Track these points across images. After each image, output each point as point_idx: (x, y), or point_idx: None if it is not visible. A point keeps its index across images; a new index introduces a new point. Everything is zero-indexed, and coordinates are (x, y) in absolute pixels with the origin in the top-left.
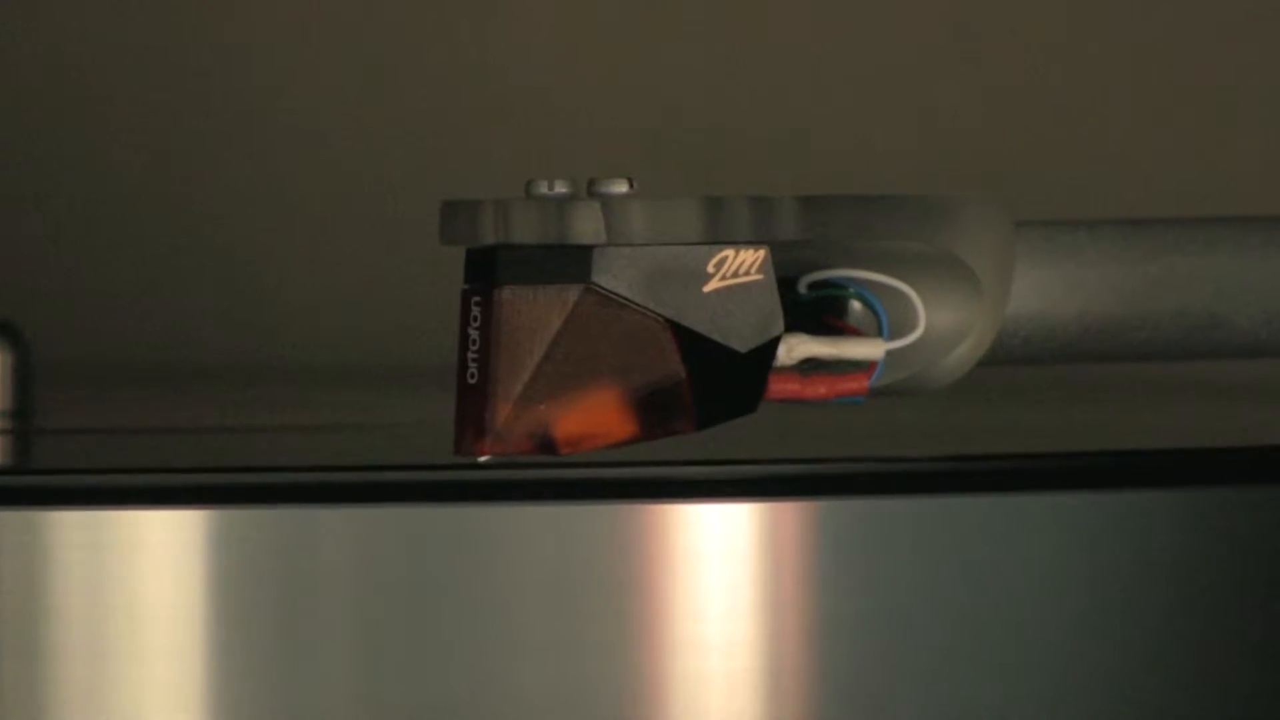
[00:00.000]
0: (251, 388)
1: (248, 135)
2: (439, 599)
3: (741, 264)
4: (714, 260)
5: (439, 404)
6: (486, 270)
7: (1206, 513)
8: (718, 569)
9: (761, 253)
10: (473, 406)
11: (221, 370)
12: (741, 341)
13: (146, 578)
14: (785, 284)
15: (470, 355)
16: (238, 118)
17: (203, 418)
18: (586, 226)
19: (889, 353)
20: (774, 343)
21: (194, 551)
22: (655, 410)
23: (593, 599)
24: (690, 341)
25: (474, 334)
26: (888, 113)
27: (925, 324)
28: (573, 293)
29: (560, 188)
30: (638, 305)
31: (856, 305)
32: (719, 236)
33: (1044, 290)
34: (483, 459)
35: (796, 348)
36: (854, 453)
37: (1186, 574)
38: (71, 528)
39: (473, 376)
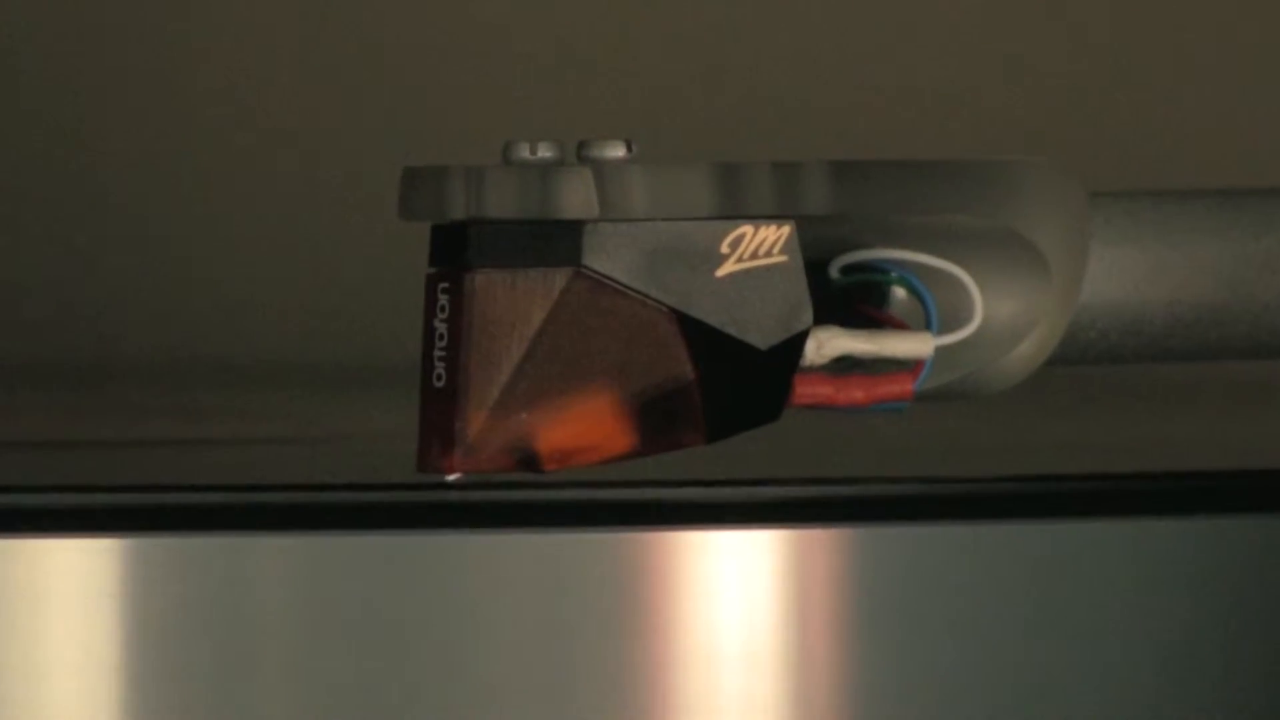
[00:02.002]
0: (175, 392)
1: (169, 90)
2: (401, 647)
3: (762, 243)
4: (729, 239)
5: (399, 411)
6: (456, 251)
7: None
8: (734, 608)
9: (785, 229)
10: (439, 415)
11: (140, 372)
12: (761, 336)
13: (51, 617)
14: (814, 267)
15: (436, 353)
16: (156, 74)
17: (119, 428)
18: (576, 198)
19: (939, 349)
20: (801, 337)
21: (107, 586)
22: (659, 419)
23: (586, 645)
24: (700, 336)
25: (441, 327)
26: (937, 62)
27: (982, 315)
28: (559, 278)
29: (545, 151)
30: (637, 292)
31: (900, 292)
32: (735, 210)
33: (1125, 274)
34: (452, 478)
35: (827, 344)
36: (895, 471)
37: None
38: None
39: (439, 379)
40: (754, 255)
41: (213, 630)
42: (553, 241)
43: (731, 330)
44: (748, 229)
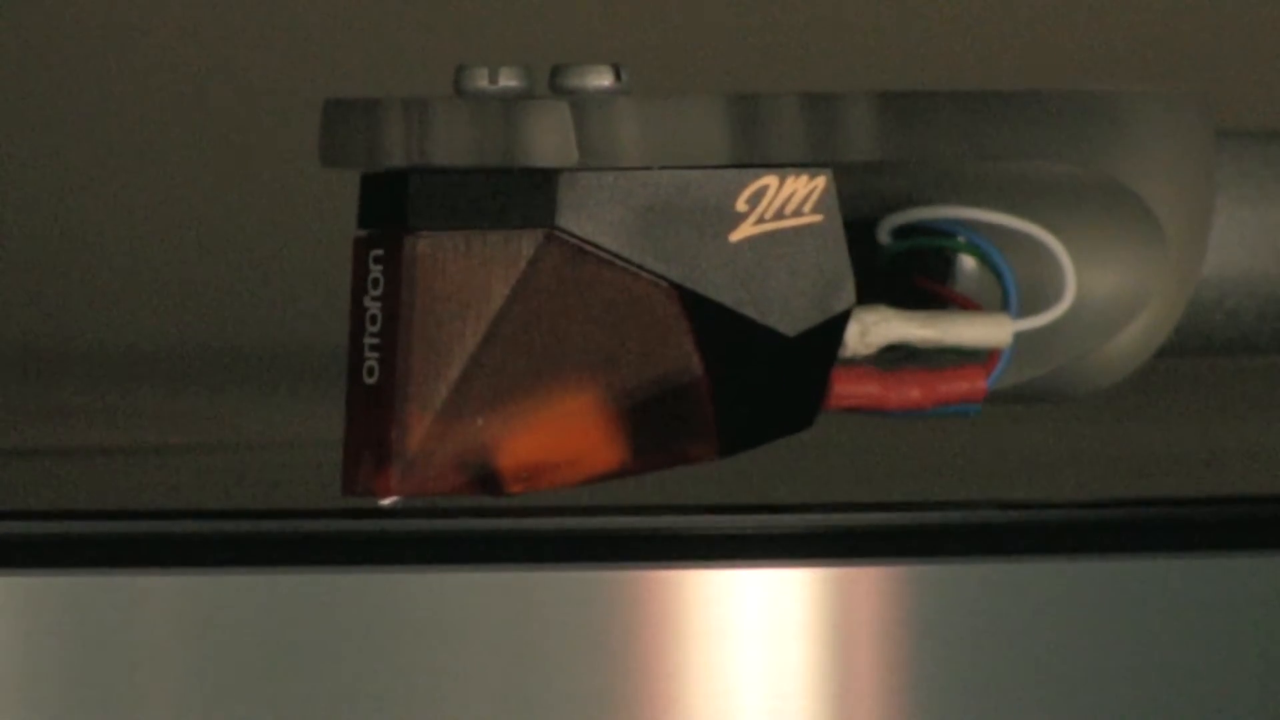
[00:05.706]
0: (35, 389)
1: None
2: (314, 712)
3: (789, 198)
4: (747, 193)
5: (321, 415)
6: (393, 208)
7: None
8: (757, 667)
9: (820, 181)
10: (371, 421)
11: None
12: (789, 318)
13: None
14: (858, 229)
15: (368, 341)
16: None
17: None
18: (548, 139)
19: (1019, 336)
20: (840, 320)
21: None
22: (657, 427)
23: (565, 709)
24: (709, 319)
25: (373, 307)
26: None
27: (1076, 292)
28: (527, 242)
29: (508, 80)
30: (628, 262)
31: (968, 262)
32: (755, 156)
33: (1261, 238)
34: (387, 501)
35: (875, 328)
36: (961, 494)
37: None
38: None
39: (371, 373)
40: (779, 214)
41: (76, 701)
42: (518, 196)
43: (750, 311)
44: (771, 180)
